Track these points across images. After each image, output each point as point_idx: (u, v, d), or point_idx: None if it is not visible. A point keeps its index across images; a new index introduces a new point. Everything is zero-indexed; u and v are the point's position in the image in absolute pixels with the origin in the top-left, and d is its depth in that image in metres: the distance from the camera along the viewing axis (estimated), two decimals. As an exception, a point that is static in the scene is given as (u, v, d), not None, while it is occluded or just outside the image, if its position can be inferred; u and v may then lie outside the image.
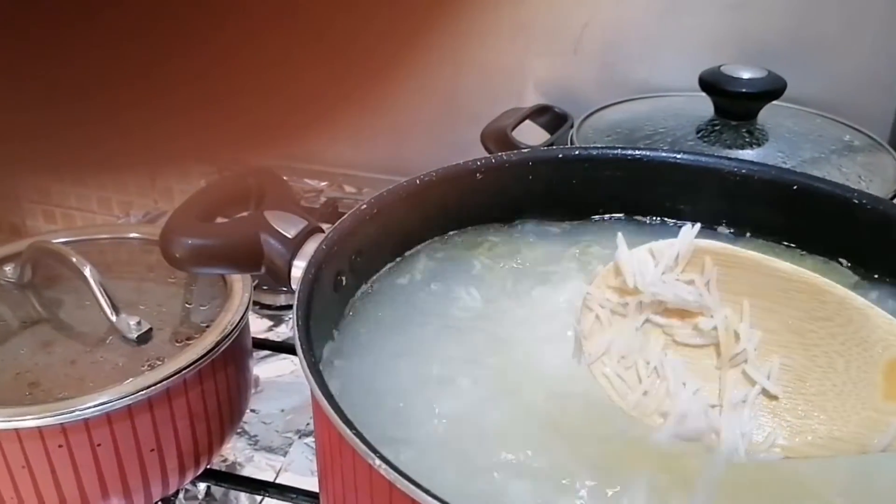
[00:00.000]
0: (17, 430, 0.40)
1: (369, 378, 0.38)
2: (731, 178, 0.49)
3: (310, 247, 0.41)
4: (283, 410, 0.61)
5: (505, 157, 0.50)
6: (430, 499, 0.26)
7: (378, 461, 0.27)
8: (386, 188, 0.45)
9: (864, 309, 0.29)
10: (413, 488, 0.27)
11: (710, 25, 0.73)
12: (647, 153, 0.50)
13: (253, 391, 0.62)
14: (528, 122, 0.74)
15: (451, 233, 0.49)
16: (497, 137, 0.68)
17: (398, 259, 0.46)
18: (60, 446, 0.41)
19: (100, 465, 0.42)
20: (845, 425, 0.29)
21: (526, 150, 0.53)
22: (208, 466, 0.52)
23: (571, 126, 0.69)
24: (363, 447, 0.28)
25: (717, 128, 0.61)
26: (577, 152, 0.52)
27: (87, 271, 0.46)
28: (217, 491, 0.53)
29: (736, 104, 0.61)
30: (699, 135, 0.61)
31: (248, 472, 0.55)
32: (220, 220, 0.44)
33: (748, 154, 0.59)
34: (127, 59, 0.16)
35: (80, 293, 0.48)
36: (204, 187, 0.45)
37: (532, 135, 0.74)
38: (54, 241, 0.49)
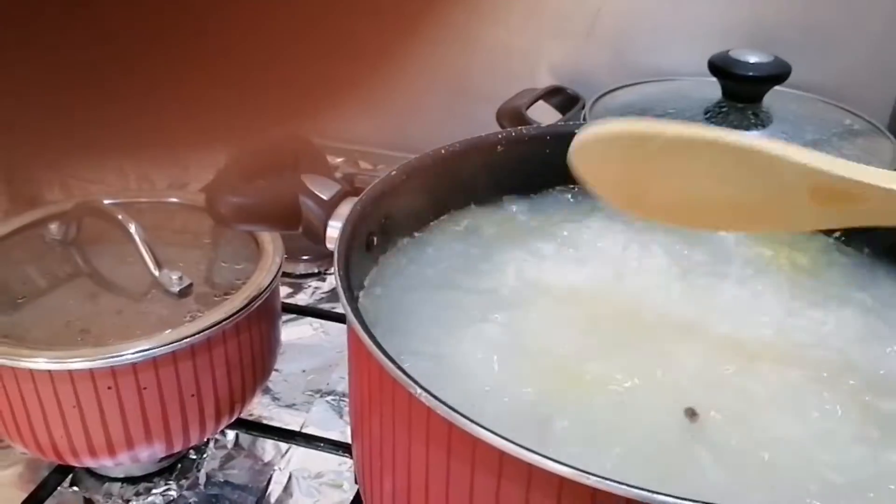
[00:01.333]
0: (70, 371, 0.43)
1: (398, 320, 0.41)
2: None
3: (344, 208, 0.44)
4: (304, 371, 0.64)
5: (525, 131, 0.53)
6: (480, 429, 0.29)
7: (419, 390, 0.31)
8: (414, 157, 0.48)
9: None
10: (457, 416, 0.30)
11: (719, 13, 0.76)
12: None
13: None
14: (541, 103, 0.77)
15: (471, 202, 0.52)
16: (512, 116, 0.71)
17: (426, 223, 0.49)
18: (109, 388, 0.44)
19: (145, 408, 0.45)
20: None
21: (544, 126, 0.56)
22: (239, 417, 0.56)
23: (583, 107, 0.72)
24: (405, 378, 0.31)
25: (723, 110, 0.64)
26: (592, 128, 0.55)
27: (132, 228, 0.49)
28: (245, 440, 0.56)
29: (743, 87, 0.64)
30: (706, 116, 0.64)
31: (275, 424, 0.58)
32: (259, 182, 0.47)
33: (753, 135, 0.62)
34: (145, 40, 0.16)
35: (122, 251, 0.51)
36: (243, 152, 0.48)
37: (545, 115, 0.76)
38: (102, 202, 0.51)
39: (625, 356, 0.38)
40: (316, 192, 0.45)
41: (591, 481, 0.27)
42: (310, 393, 0.62)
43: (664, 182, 0.38)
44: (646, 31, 0.78)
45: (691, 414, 0.35)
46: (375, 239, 0.45)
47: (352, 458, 0.46)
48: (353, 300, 0.36)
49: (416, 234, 0.49)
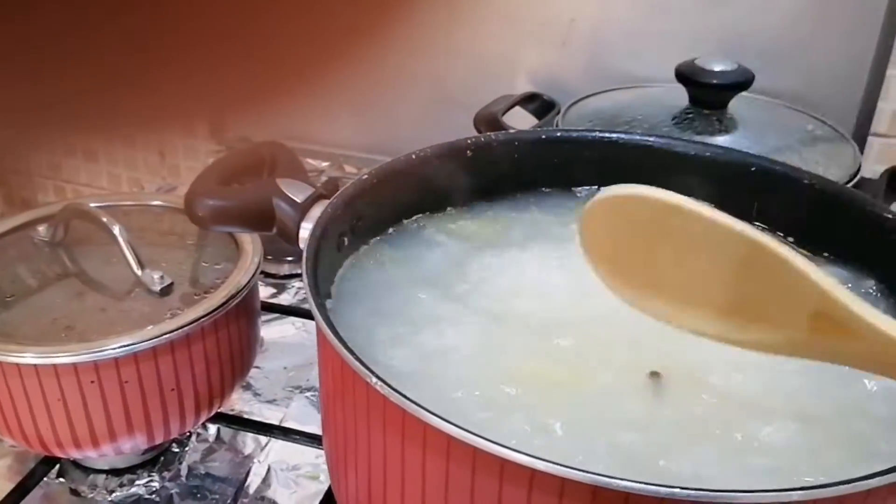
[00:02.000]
0: (54, 365, 0.45)
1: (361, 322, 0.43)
2: (695, 159, 0.54)
3: (316, 211, 0.46)
4: (285, 368, 0.66)
5: (493, 137, 0.55)
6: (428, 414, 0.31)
7: (375, 379, 0.33)
8: (385, 161, 0.51)
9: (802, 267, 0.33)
10: (408, 402, 0.32)
11: (691, 22, 0.78)
12: (622, 136, 0.55)
13: (259, 350, 0.68)
14: (519, 109, 0.80)
15: (444, 206, 0.54)
16: (488, 121, 0.73)
17: (398, 224, 0.52)
18: (92, 382, 0.46)
19: (126, 401, 0.48)
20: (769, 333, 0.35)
21: (512, 132, 0.58)
22: (220, 411, 0.58)
23: (558, 112, 0.74)
24: (362, 368, 0.33)
25: (689, 116, 0.67)
26: (558, 134, 0.58)
27: (116, 230, 0.51)
28: (226, 434, 0.59)
29: (708, 94, 0.66)
30: (673, 122, 0.66)
31: (255, 418, 0.60)
32: (235, 186, 0.49)
33: (717, 140, 0.64)
34: (134, 31, 0.17)
35: (108, 252, 0.53)
36: (221, 157, 0.50)
37: (523, 121, 0.79)
38: (88, 204, 0.54)
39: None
40: (290, 195, 0.47)
41: (526, 461, 0.29)
42: (290, 389, 0.64)
43: (666, 259, 0.37)
44: (620, 39, 0.81)
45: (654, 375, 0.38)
46: (346, 240, 0.48)
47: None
48: (317, 295, 0.39)
49: (388, 235, 0.51)
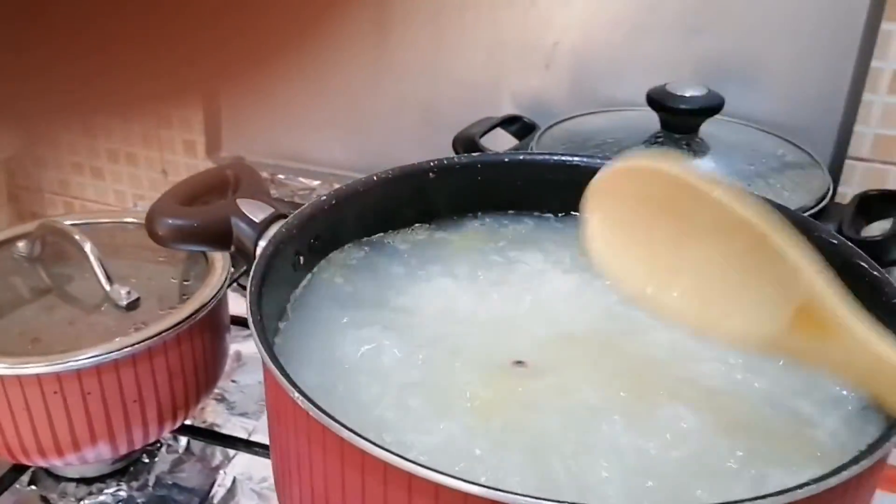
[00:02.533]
0: (18, 376, 0.47)
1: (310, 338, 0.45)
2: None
3: (273, 230, 0.48)
4: (260, 382, 0.68)
5: (456, 159, 0.57)
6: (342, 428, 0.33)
7: (297, 394, 0.34)
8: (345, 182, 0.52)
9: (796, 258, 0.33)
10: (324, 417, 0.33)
11: (671, 48, 0.80)
12: (584, 160, 0.57)
13: (235, 364, 0.69)
14: (502, 131, 0.81)
15: (411, 224, 0.56)
16: (466, 143, 0.74)
17: (354, 244, 0.53)
18: (55, 393, 0.48)
19: (89, 412, 0.49)
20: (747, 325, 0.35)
21: (476, 154, 0.60)
22: (190, 423, 0.60)
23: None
24: (285, 382, 0.35)
25: (659, 140, 0.68)
26: (520, 157, 0.59)
27: (87, 247, 0.53)
28: (196, 446, 0.60)
29: (677, 119, 0.67)
30: (643, 145, 0.67)
31: (225, 431, 0.62)
32: (200, 205, 0.51)
33: (703, 167, 0.65)
34: (136, 51, 0.16)
35: (82, 268, 0.55)
36: (187, 178, 0.52)
37: (507, 143, 0.80)
38: (61, 222, 0.56)
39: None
40: (248, 215, 0.49)
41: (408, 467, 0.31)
42: (263, 402, 0.65)
43: (665, 239, 0.37)
44: (602, 62, 0.82)
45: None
46: (302, 258, 0.49)
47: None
48: (258, 312, 0.40)
49: (344, 253, 0.53)
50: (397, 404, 0.40)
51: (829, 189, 0.66)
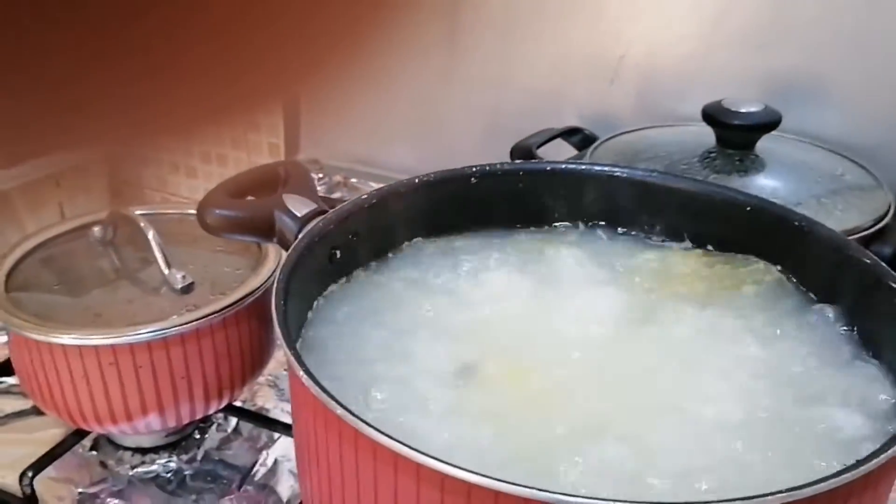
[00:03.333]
0: (79, 347, 0.52)
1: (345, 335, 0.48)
2: (694, 197, 0.56)
3: (312, 224, 0.51)
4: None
5: (499, 166, 0.59)
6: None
7: (304, 375, 0.37)
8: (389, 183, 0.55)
9: None
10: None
11: (737, 64, 0.79)
12: (625, 171, 0.58)
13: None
14: (564, 142, 0.83)
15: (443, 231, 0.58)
16: (524, 153, 0.76)
17: (395, 245, 0.56)
18: (111, 364, 0.53)
19: (140, 384, 0.54)
20: None
21: (518, 162, 0.61)
22: (241, 405, 0.64)
23: (597, 147, 0.77)
24: (304, 375, 0.37)
25: (712, 155, 0.67)
26: (563, 166, 0.60)
27: (150, 234, 0.57)
28: (244, 427, 0.64)
29: (731, 134, 0.67)
30: (696, 160, 0.67)
31: (272, 415, 0.65)
32: (250, 198, 0.55)
33: (734, 180, 0.65)
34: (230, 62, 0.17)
35: (146, 253, 0.59)
36: (240, 173, 0.56)
37: (566, 154, 0.82)
38: (130, 211, 0.61)
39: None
40: (291, 209, 0.52)
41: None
42: (312, 392, 0.69)
43: None
44: (666, 79, 0.82)
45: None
46: (339, 253, 0.52)
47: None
48: (282, 305, 0.43)
49: (386, 254, 0.55)
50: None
51: (888, 210, 0.64)
